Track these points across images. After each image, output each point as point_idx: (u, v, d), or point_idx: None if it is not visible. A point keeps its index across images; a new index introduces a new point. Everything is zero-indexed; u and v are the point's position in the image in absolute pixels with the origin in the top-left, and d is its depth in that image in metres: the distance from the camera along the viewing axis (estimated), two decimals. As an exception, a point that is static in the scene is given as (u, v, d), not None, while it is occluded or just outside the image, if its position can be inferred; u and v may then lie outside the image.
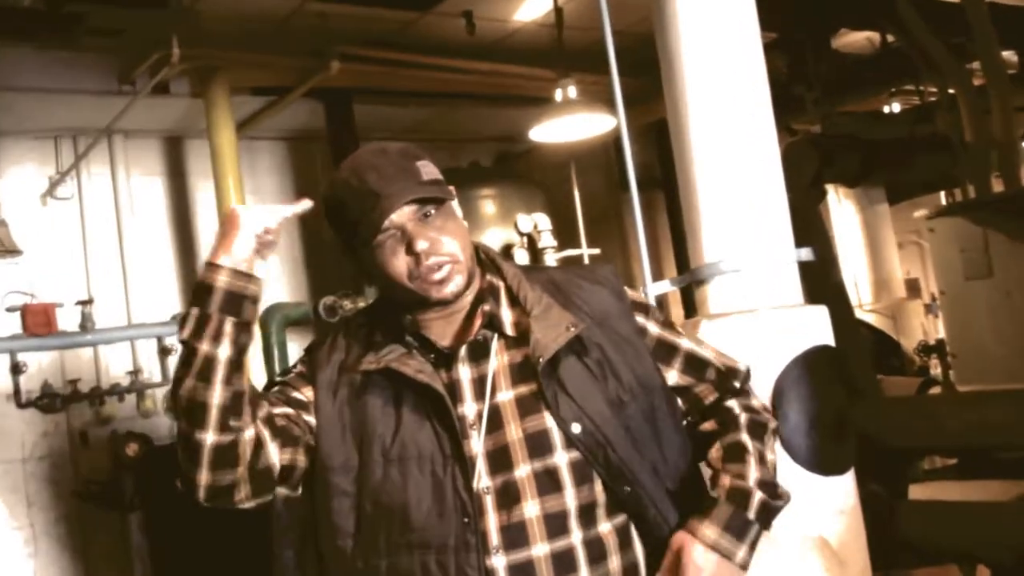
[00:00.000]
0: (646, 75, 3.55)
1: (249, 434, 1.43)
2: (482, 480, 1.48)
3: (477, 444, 1.49)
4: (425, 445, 1.49)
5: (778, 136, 2.70)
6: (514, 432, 1.50)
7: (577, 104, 5.03)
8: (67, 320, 4.91)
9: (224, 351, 1.40)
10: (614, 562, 1.50)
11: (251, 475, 1.45)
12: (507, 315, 1.57)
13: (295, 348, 5.36)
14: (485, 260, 1.64)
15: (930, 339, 6.74)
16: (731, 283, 2.56)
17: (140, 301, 5.71)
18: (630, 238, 7.36)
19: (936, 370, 5.86)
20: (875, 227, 6.93)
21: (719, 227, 2.58)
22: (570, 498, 1.48)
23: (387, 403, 1.52)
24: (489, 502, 1.48)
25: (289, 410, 1.54)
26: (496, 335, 1.56)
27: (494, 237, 5.64)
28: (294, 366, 1.65)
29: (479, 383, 1.53)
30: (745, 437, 1.60)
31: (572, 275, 1.66)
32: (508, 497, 1.47)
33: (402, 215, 1.49)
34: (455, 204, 1.58)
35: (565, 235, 5.90)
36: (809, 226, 4.19)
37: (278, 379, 1.64)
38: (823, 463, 2.43)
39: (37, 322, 4.69)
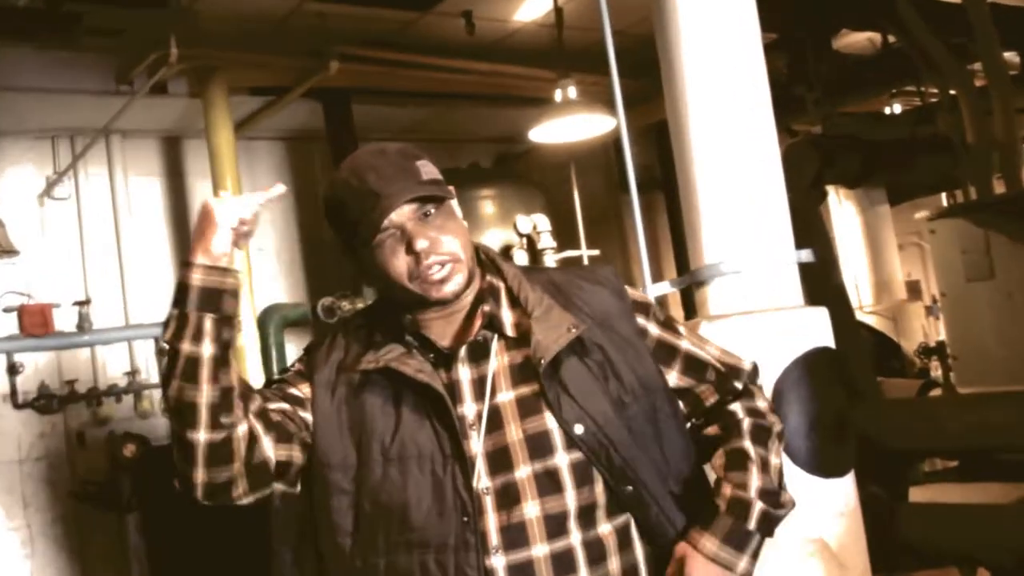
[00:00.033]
0: (646, 76, 3.54)
1: (242, 429, 1.43)
2: (482, 480, 1.47)
3: (477, 444, 1.49)
4: (425, 444, 1.48)
5: (779, 137, 2.71)
6: (514, 433, 1.49)
7: (577, 105, 5.02)
8: (64, 320, 4.90)
9: (207, 349, 1.39)
10: (614, 563, 1.49)
11: (247, 470, 1.44)
12: (507, 316, 1.57)
13: (293, 349, 5.35)
14: (485, 261, 1.63)
15: (931, 341, 6.73)
16: (731, 284, 2.56)
17: (138, 302, 5.70)
18: (630, 239, 7.35)
19: (937, 372, 5.86)
20: (876, 228, 6.93)
21: (719, 228, 2.58)
22: (570, 499, 1.47)
23: (386, 402, 1.51)
24: (489, 502, 1.47)
25: (285, 406, 1.53)
26: (496, 336, 1.55)
27: (493, 238, 5.63)
28: (292, 365, 1.65)
29: (479, 383, 1.52)
30: (747, 444, 1.60)
31: (572, 276, 1.66)
32: (508, 497, 1.47)
33: (402, 214, 1.48)
34: (455, 204, 1.58)
35: (564, 236, 5.89)
36: (809, 227, 4.19)
37: (276, 377, 1.64)
38: (823, 465, 2.43)
39: (34, 322, 4.68)
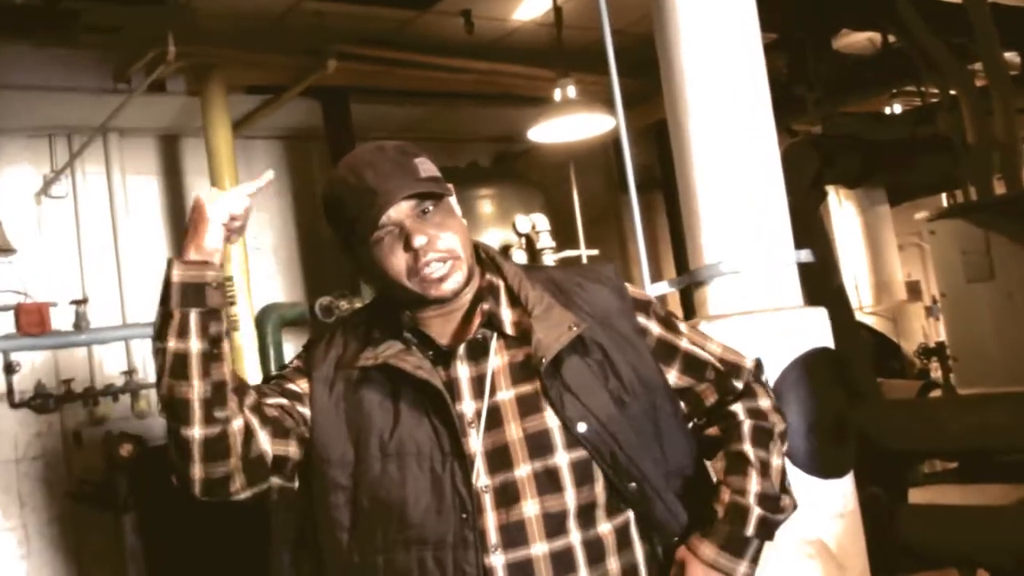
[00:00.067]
0: (646, 75, 3.54)
1: (237, 424, 1.42)
2: (481, 478, 1.47)
3: (476, 442, 1.48)
4: (424, 441, 1.48)
5: (778, 137, 2.70)
6: (514, 431, 1.49)
7: (576, 104, 5.02)
8: (61, 319, 4.89)
9: (195, 344, 1.39)
10: (613, 563, 1.49)
11: (244, 465, 1.44)
12: (507, 314, 1.57)
13: (291, 349, 5.34)
14: (485, 259, 1.63)
15: (931, 342, 6.72)
16: (730, 285, 2.55)
17: (135, 301, 5.68)
18: (629, 239, 7.35)
19: (937, 373, 5.85)
20: (876, 229, 6.92)
21: (719, 228, 2.57)
22: (570, 498, 1.47)
23: (385, 399, 1.51)
24: (488, 500, 1.47)
25: (283, 400, 1.53)
26: (495, 334, 1.55)
27: (492, 238, 5.62)
28: (291, 362, 1.65)
29: (478, 382, 1.52)
30: (747, 447, 1.60)
31: (573, 274, 1.66)
32: (507, 496, 1.47)
33: (400, 211, 1.48)
34: (454, 201, 1.57)
35: (563, 236, 5.89)
36: (809, 227, 4.18)
37: (274, 373, 1.64)
38: (822, 466, 2.43)
39: (31, 321, 4.67)
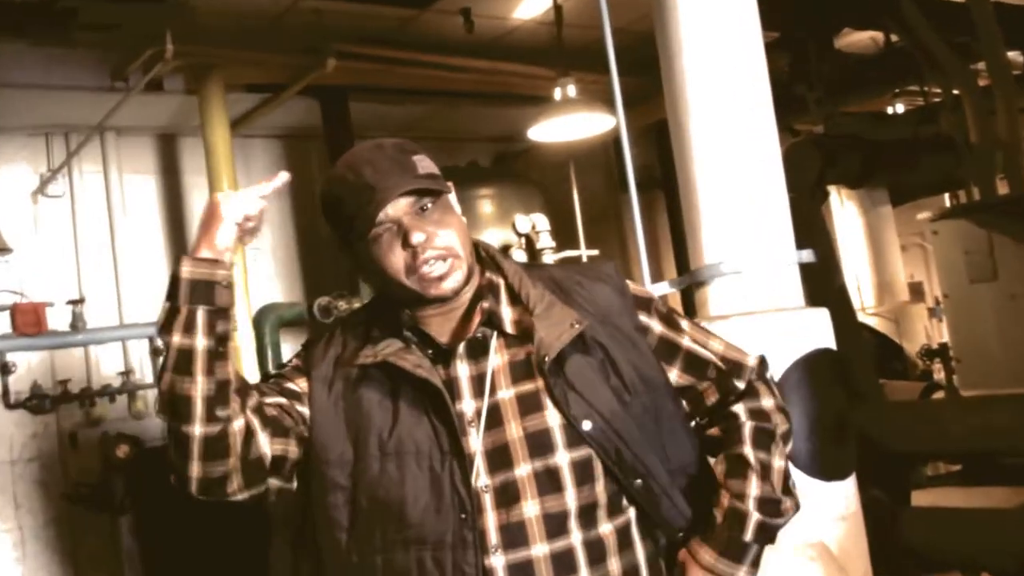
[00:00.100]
0: (646, 74, 3.52)
1: (238, 424, 1.42)
2: (481, 478, 1.46)
3: (475, 441, 1.48)
4: (423, 440, 1.47)
5: (780, 136, 2.70)
6: (514, 431, 1.48)
7: (576, 103, 5.01)
8: (57, 320, 4.87)
9: (200, 341, 1.38)
10: (614, 563, 1.49)
11: (243, 466, 1.43)
12: (507, 313, 1.56)
13: (289, 349, 5.33)
14: (485, 257, 1.62)
15: (933, 343, 6.73)
16: (731, 285, 2.55)
17: (132, 301, 5.66)
18: (629, 239, 7.33)
19: (940, 374, 5.85)
20: (878, 229, 6.89)
21: (719, 228, 2.57)
22: (571, 498, 1.47)
23: (384, 397, 1.51)
24: (488, 500, 1.46)
25: (282, 400, 1.52)
26: (495, 333, 1.54)
27: (492, 237, 5.61)
28: (289, 361, 1.64)
29: (478, 380, 1.51)
30: (747, 449, 1.59)
31: (573, 272, 1.65)
32: (507, 496, 1.46)
33: (398, 208, 1.47)
34: (453, 199, 1.57)
35: (564, 236, 5.88)
36: (811, 228, 4.17)
37: (273, 372, 1.64)
38: (824, 468, 2.43)
39: (27, 321, 4.66)
